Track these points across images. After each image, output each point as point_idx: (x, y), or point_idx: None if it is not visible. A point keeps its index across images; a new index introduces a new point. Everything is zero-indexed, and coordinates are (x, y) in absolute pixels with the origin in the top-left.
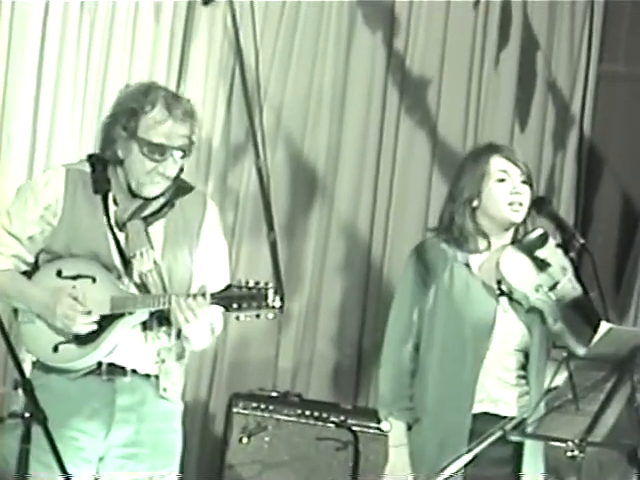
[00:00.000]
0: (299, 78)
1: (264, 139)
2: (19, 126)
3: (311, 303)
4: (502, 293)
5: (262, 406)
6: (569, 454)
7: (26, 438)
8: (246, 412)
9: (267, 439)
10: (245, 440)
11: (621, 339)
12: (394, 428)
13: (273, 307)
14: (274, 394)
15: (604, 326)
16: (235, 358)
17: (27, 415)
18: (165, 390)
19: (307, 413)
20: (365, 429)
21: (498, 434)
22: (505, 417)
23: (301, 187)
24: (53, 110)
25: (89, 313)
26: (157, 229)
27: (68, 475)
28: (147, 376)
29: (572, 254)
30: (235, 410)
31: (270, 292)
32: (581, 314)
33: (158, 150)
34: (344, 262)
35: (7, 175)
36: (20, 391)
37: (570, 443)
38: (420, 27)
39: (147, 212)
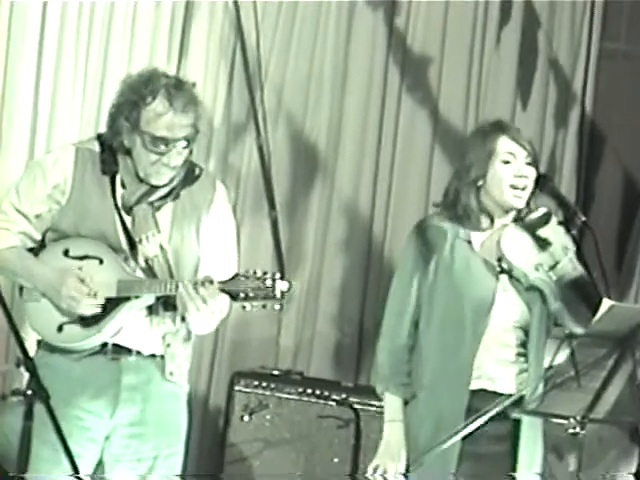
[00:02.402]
0: (300, 57)
1: (265, 118)
2: (20, 110)
3: (312, 282)
4: (502, 271)
5: (264, 384)
6: (570, 431)
7: (28, 416)
8: (248, 390)
9: (268, 417)
10: (247, 418)
11: (623, 316)
12: (390, 403)
13: (281, 299)
14: (275, 372)
15: (606, 303)
16: (236, 337)
17: (29, 393)
18: (172, 374)
19: (308, 391)
20: (367, 407)
21: (495, 411)
22: (503, 394)
23: (302, 166)
24: (54, 93)
25: (95, 295)
26: (165, 212)
27: (71, 453)
28: (152, 356)
29: (574, 232)
30: (237, 388)
31: (278, 283)
32: (580, 295)
33: (160, 143)
34: (345, 241)
35: (8, 161)
36: (22, 369)
37: (572, 420)
38: (421, 6)
39: (155, 197)
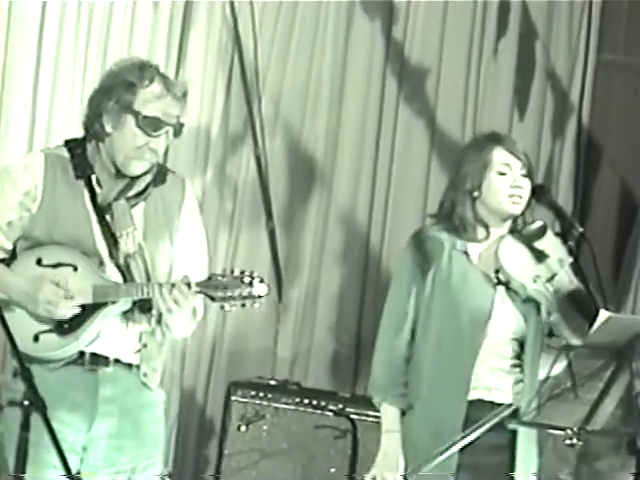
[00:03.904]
0: (298, 66)
1: (263, 127)
2: (18, 106)
3: (310, 291)
4: (499, 282)
5: (260, 394)
6: (567, 442)
7: (25, 426)
8: (244, 400)
9: (265, 427)
10: (243, 428)
11: (620, 327)
12: (387, 414)
13: (259, 297)
14: (272, 382)
15: (603, 314)
16: (233, 347)
17: (26, 403)
18: (146, 375)
19: (305, 401)
20: (364, 417)
21: (493, 421)
22: (500, 404)
23: (300, 176)
24: (52, 96)
25: (72, 298)
26: (137, 212)
27: (65, 459)
28: (129, 366)
29: (571, 243)
30: (233, 398)
31: (255, 281)
32: (577, 307)
33: (155, 125)
34: (343, 251)
35: (6, 157)
36: (17, 379)
37: (569, 431)
38: (419, 15)
39: (132, 192)
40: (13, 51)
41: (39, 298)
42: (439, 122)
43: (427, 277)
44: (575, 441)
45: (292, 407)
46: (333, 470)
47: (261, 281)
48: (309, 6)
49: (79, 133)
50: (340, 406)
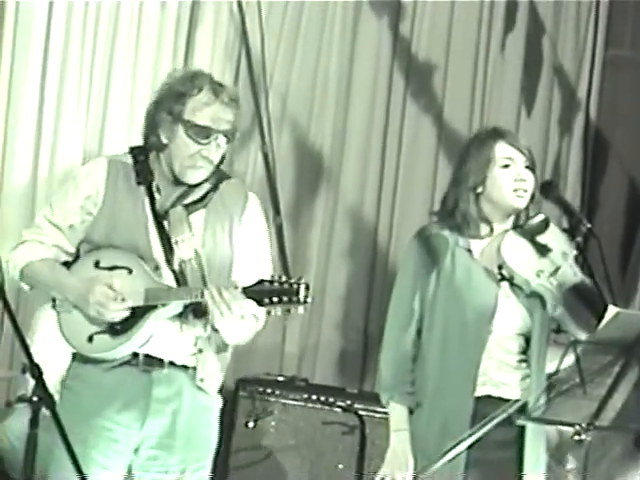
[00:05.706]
0: (305, 63)
1: (270, 124)
2: (25, 117)
3: (317, 288)
4: (503, 278)
5: (268, 390)
6: (576, 438)
7: (34, 423)
8: (252, 397)
9: (273, 423)
10: (251, 424)
11: (628, 323)
12: (395, 412)
13: (304, 302)
14: (280, 379)
15: (611, 310)
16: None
17: (35, 399)
18: (202, 380)
19: (313, 397)
20: (371, 413)
21: (502, 417)
22: (508, 400)
23: (307, 172)
24: (59, 100)
25: (122, 300)
26: (198, 217)
27: (76, 459)
28: (185, 367)
29: (579, 238)
30: (241, 394)
31: (302, 287)
32: (582, 300)
33: (203, 132)
34: (350, 247)
35: (12, 171)
36: (27, 375)
37: (577, 427)
38: (426, 12)
39: (189, 200)
40: (20, 54)
41: (90, 300)
42: (446, 119)
43: (431, 275)
44: (583, 437)
45: (300, 403)
46: (341, 466)
47: (306, 287)
48: (316, 2)
49: (83, 132)
50: (348, 402)
